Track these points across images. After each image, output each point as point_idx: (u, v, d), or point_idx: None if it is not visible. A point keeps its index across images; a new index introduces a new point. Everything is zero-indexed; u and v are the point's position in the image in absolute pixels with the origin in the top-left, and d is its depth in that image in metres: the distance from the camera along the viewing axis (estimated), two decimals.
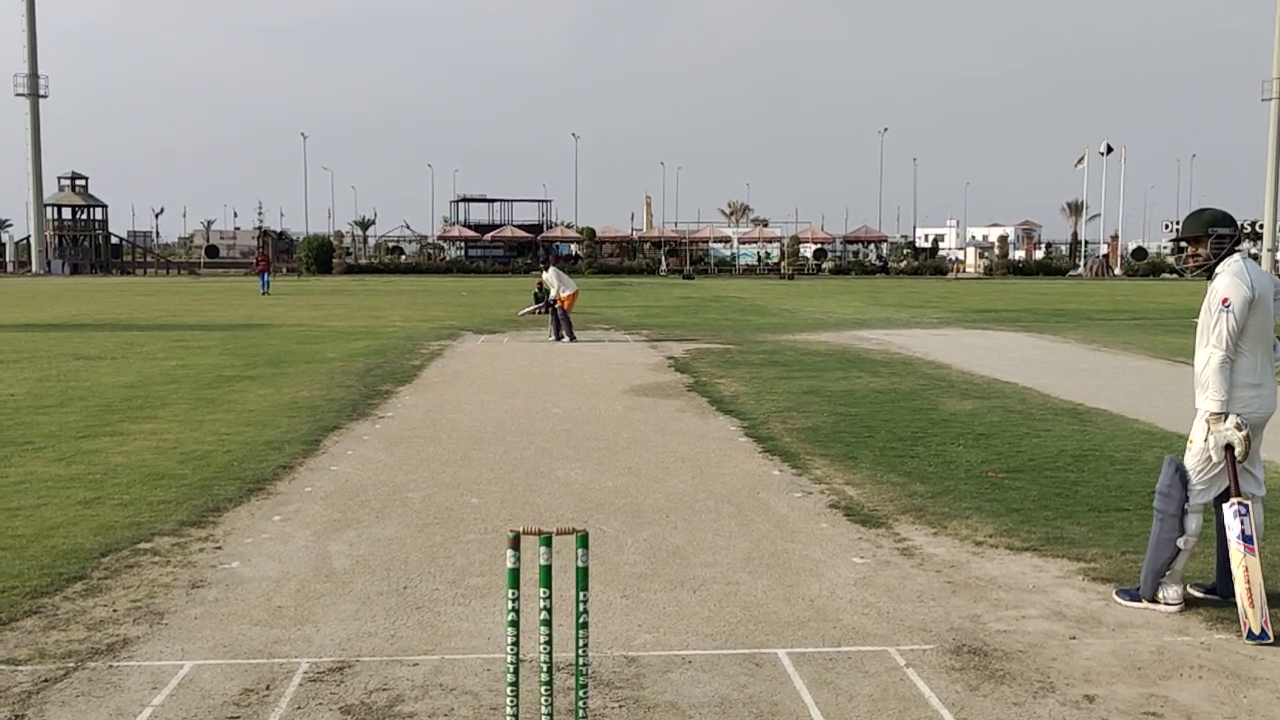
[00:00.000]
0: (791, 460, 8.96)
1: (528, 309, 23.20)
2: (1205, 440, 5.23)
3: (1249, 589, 4.97)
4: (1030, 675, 4.52)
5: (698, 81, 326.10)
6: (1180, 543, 5.25)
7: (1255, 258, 61.94)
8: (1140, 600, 5.36)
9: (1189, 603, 5.40)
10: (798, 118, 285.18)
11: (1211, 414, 5.16)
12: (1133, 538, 6.52)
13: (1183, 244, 5.46)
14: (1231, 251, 5.27)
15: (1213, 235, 5.29)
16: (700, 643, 4.89)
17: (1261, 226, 77.68)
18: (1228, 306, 5.11)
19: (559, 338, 20.47)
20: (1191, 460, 5.31)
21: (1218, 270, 5.25)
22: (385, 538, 6.61)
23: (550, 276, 20.95)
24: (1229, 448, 5.14)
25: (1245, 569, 5.01)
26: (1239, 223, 5.41)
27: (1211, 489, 5.29)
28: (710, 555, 6.26)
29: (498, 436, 10.10)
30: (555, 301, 20.78)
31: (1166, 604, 5.30)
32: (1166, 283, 62.89)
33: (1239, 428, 5.10)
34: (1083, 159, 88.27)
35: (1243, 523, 5.10)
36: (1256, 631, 4.88)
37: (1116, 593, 5.50)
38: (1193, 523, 5.28)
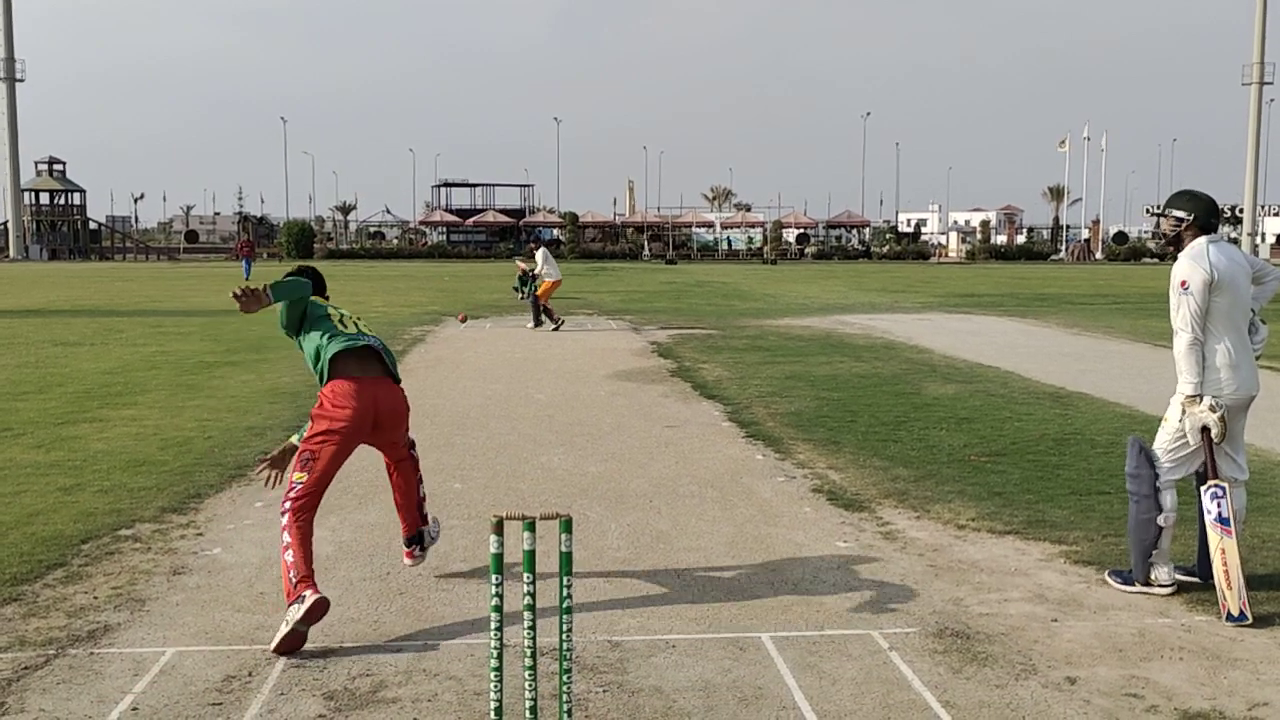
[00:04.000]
0: (775, 445, 8.97)
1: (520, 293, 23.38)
2: (1179, 420, 5.26)
3: (1226, 571, 5.00)
4: (1012, 657, 4.55)
5: (681, 67, 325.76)
6: (1160, 520, 5.26)
7: (1235, 242, 62.30)
8: (1134, 584, 5.33)
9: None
10: (781, 103, 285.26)
11: (1186, 396, 5.18)
12: (1114, 520, 6.56)
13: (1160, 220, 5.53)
14: (1200, 234, 5.28)
15: (1168, 215, 5.37)
16: (684, 627, 4.90)
17: (1241, 210, 78.09)
18: (1186, 289, 5.16)
19: (538, 324, 19.95)
20: (1163, 438, 5.34)
21: (1181, 253, 5.31)
22: (368, 523, 6.59)
23: (539, 257, 20.38)
24: (1205, 430, 5.16)
25: (1222, 551, 5.04)
26: (1219, 207, 5.42)
27: (1181, 468, 5.31)
28: (694, 540, 6.27)
29: (480, 422, 10.08)
30: (533, 278, 20.56)
31: (1160, 585, 5.29)
32: (1147, 267, 63.18)
33: (1213, 409, 5.11)
34: (1065, 140, 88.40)
35: (1219, 505, 5.11)
36: (1235, 613, 4.91)
37: (1109, 574, 5.48)
38: (1168, 499, 5.29)
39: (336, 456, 5.04)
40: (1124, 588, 5.36)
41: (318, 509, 5.04)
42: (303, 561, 4.78)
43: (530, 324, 20.17)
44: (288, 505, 4.92)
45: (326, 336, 5.18)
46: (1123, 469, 7.88)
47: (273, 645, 4.59)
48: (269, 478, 5.40)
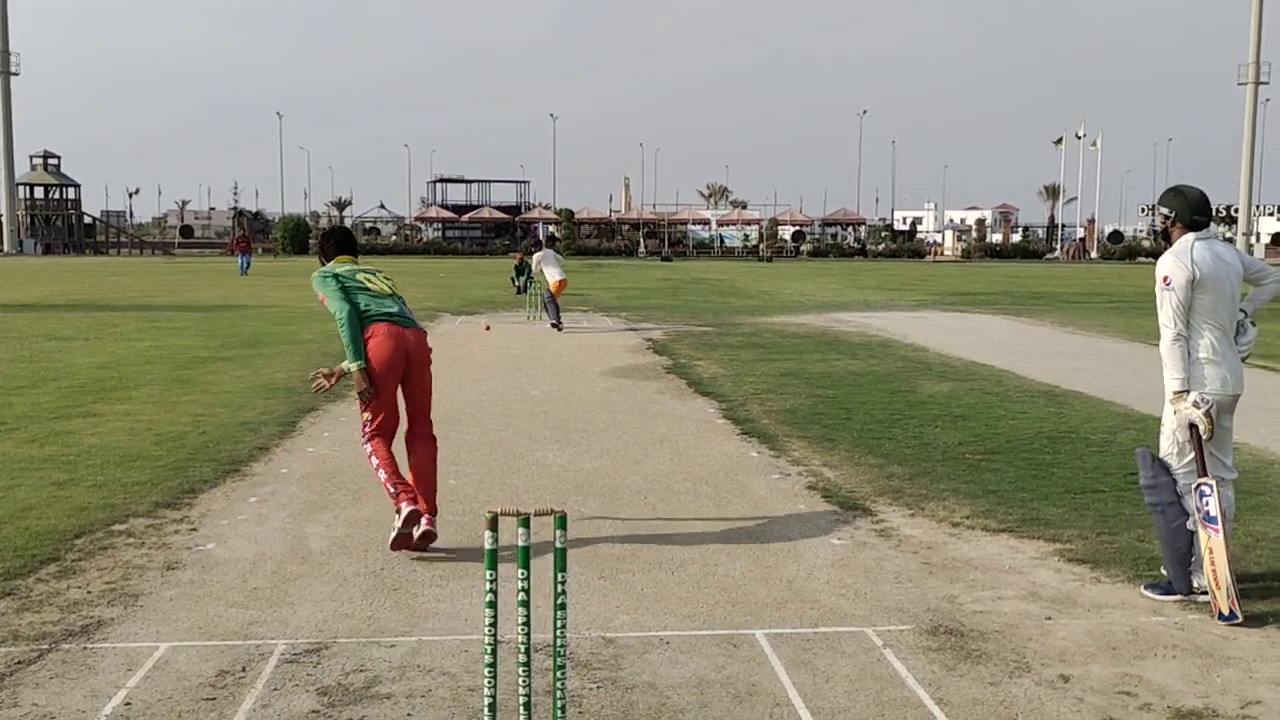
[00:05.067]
0: (770, 442, 8.97)
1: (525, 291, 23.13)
2: (1173, 422, 5.25)
3: (1214, 570, 4.98)
4: (1006, 655, 4.55)
5: (678, 65, 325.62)
6: (1190, 525, 5.17)
7: (1230, 241, 62.26)
8: (1175, 594, 5.22)
9: None
10: (777, 101, 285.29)
11: (1174, 393, 5.18)
12: (1108, 519, 6.57)
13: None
14: (1187, 230, 5.27)
15: (1159, 211, 5.40)
16: (678, 624, 4.90)
17: (1236, 210, 78.19)
18: (1168, 285, 5.16)
19: (558, 325, 18.96)
20: (1166, 445, 5.32)
21: (1167, 250, 5.32)
22: (362, 519, 6.58)
23: (535, 260, 19.78)
24: (1193, 426, 5.14)
25: (1210, 550, 5.01)
26: (1209, 203, 5.40)
27: (1193, 469, 5.28)
28: (688, 537, 6.27)
29: (475, 418, 10.07)
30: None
31: (1203, 591, 5.16)
32: (1142, 266, 63.24)
33: (1197, 405, 5.09)
34: (1061, 139, 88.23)
35: (1207, 504, 5.08)
36: (1225, 612, 4.90)
37: (1145, 588, 5.33)
38: (1191, 502, 5.25)
39: (388, 391, 6.12)
40: (1164, 598, 5.23)
41: (394, 435, 6.17)
42: (393, 478, 5.97)
43: (551, 323, 19.11)
44: (365, 438, 6.14)
45: (363, 305, 6.15)
46: (1118, 468, 7.92)
47: (389, 543, 5.83)
48: (319, 386, 6.16)
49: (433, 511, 6.07)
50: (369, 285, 6.27)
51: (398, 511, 5.81)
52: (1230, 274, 5.22)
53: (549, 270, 19.46)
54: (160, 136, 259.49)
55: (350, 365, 5.99)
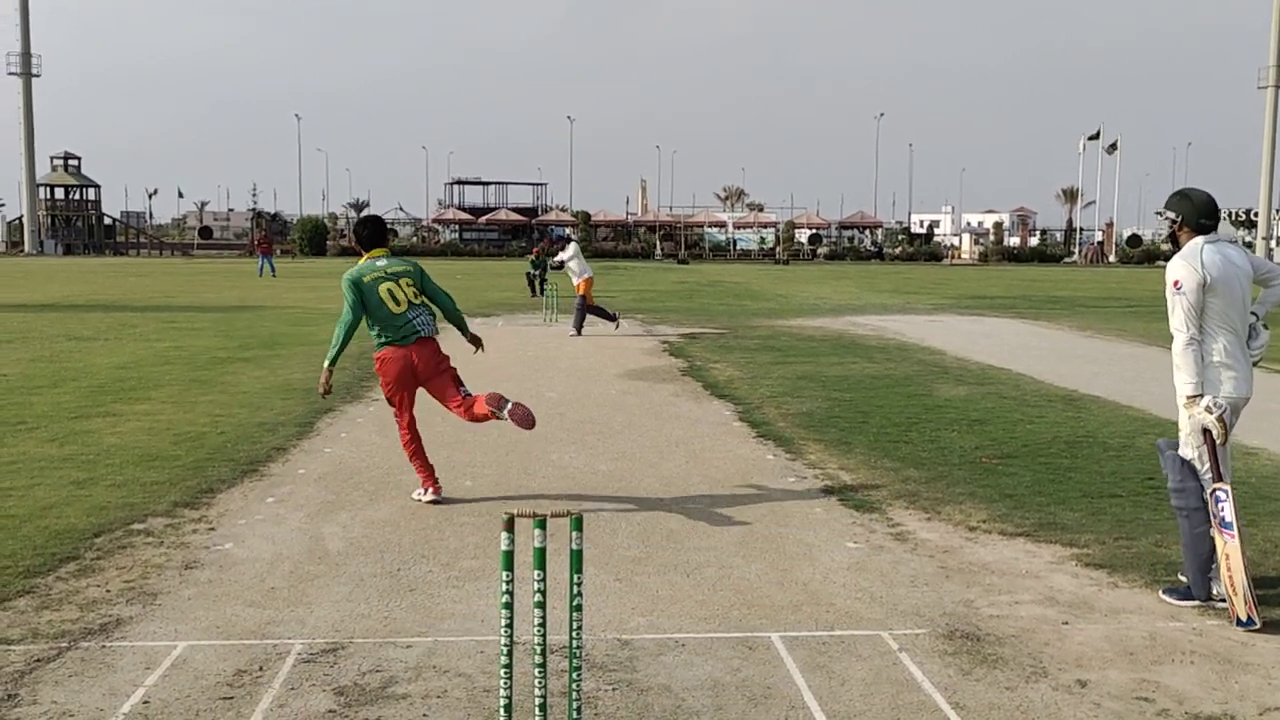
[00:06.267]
0: (786, 445, 8.96)
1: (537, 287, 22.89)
2: (1189, 426, 5.22)
3: (1231, 576, 4.95)
4: (1023, 660, 4.54)
5: (694, 66, 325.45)
6: (1214, 532, 5.17)
7: (1250, 246, 61.84)
8: (1194, 600, 5.19)
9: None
10: (794, 103, 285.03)
11: (1187, 397, 5.15)
12: (1125, 524, 6.54)
13: None
14: (1195, 234, 5.24)
15: (1164, 215, 5.38)
16: (694, 626, 4.90)
17: (1256, 214, 77.71)
18: (1179, 289, 5.12)
19: (579, 331, 18.47)
20: (1189, 450, 5.28)
21: (1176, 254, 5.29)
22: (379, 520, 6.60)
23: (570, 252, 18.97)
24: (1206, 431, 5.10)
25: (1227, 556, 4.98)
26: (1222, 210, 5.36)
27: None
28: (704, 539, 6.27)
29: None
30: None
31: (1222, 599, 5.12)
32: (1160, 270, 62.85)
33: (1210, 410, 5.05)
34: (1090, 138, 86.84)
35: (1223, 510, 5.05)
36: (1243, 618, 4.87)
37: (1163, 593, 5.31)
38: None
39: (404, 396, 7.09)
40: (1182, 603, 5.21)
41: (416, 430, 7.21)
42: (416, 461, 7.15)
43: (572, 331, 18.51)
44: (401, 436, 7.21)
45: (378, 327, 6.93)
46: (1135, 472, 7.88)
47: (418, 495, 7.06)
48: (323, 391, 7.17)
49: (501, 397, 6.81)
50: (389, 304, 6.90)
51: (424, 489, 7.08)
52: (1240, 276, 5.18)
53: (575, 267, 18.78)
54: (178, 137, 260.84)
55: (325, 360, 6.94)
